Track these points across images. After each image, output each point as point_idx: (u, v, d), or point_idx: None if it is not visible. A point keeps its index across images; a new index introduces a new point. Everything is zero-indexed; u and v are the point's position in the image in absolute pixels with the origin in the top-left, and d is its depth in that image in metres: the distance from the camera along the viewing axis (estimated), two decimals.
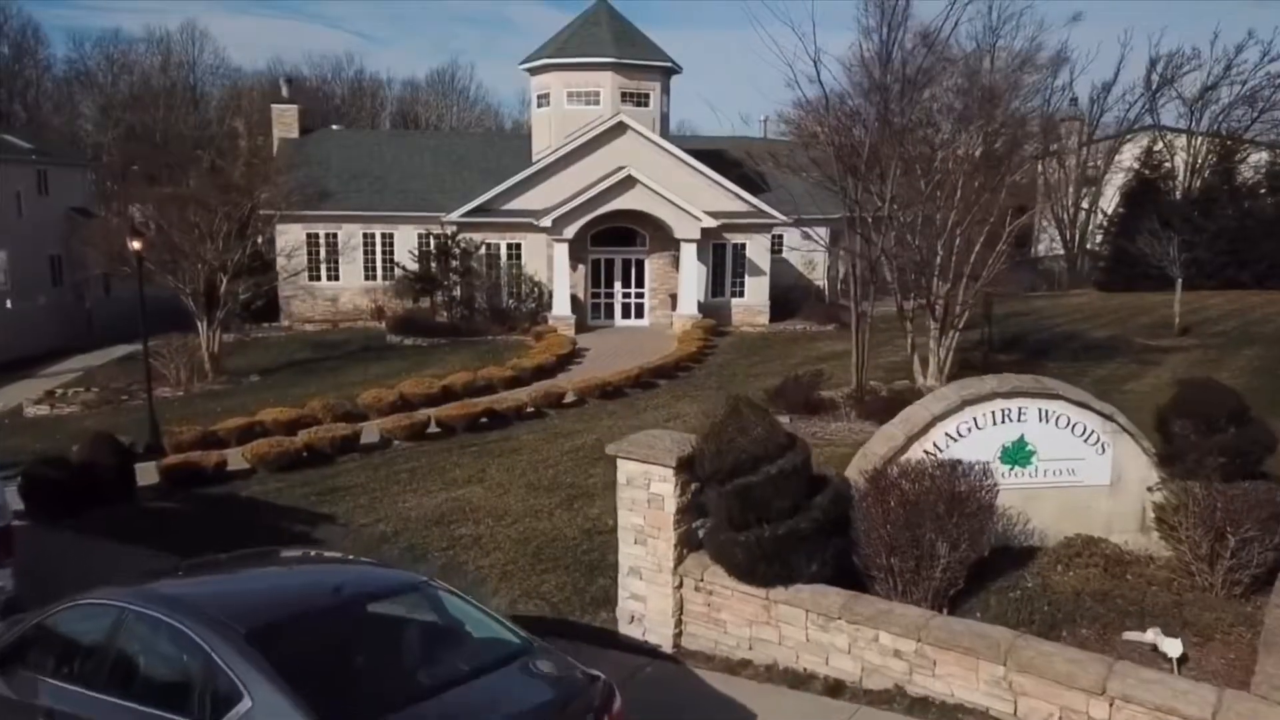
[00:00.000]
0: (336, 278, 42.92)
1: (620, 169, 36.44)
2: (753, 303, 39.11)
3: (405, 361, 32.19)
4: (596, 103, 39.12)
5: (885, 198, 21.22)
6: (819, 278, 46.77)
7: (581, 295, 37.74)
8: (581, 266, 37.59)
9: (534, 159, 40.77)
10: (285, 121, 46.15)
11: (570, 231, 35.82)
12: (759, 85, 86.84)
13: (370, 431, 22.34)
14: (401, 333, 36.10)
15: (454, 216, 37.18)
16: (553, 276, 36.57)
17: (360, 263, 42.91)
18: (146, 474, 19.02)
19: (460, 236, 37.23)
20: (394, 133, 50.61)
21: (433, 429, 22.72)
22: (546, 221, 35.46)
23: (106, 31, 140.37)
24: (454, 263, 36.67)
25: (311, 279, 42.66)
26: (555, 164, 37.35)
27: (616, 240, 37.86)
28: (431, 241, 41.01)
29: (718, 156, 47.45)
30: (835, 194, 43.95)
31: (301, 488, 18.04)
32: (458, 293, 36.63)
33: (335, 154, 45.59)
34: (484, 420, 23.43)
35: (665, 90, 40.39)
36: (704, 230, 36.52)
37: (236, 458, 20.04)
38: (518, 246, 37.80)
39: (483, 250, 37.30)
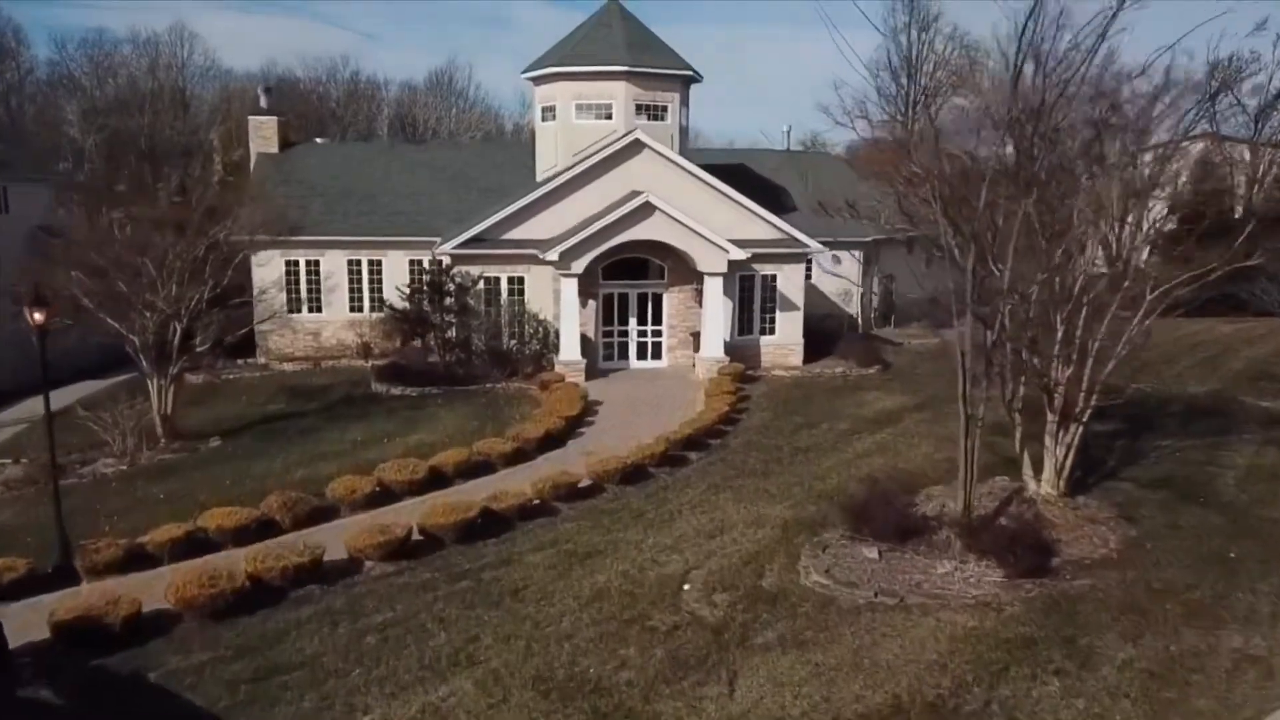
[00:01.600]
0: (319, 310, 38.03)
1: (636, 194, 31.55)
2: (785, 341, 34.19)
3: (391, 421, 27.31)
4: (608, 116, 34.18)
5: (1005, 264, 16.17)
6: (852, 305, 41.85)
7: (592, 334, 32.85)
8: (592, 302, 32.68)
9: (539, 176, 35.87)
10: (264, 135, 41.17)
11: (580, 266, 30.91)
12: (775, 90, 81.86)
13: (337, 542, 17.50)
14: (389, 380, 31.19)
15: (448, 247, 32.23)
16: (559, 314, 31.66)
17: (345, 293, 38.02)
18: (36, 621, 14.27)
19: (455, 270, 32.29)
20: (384, 145, 45.60)
21: (416, 537, 17.90)
22: (553, 255, 30.52)
23: (91, 32, 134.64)
24: (448, 300, 31.73)
25: (291, 311, 37.78)
26: (562, 188, 32.43)
27: (631, 272, 32.93)
28: (424, 270, 36.19)
29: (739, 173, 42.57)
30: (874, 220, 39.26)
31: (234, 663, 13.18)
32: (452, 333, 31.67)
33: (319, 171, 40.64)
34: (479, 522, 18.57)
35: (684, 101, 35.42)
36: (731, 262, 31.59)
37: (161, 590, 15.23)
38: (520, 280, 32.85)
39: (480, 285, 32.33)
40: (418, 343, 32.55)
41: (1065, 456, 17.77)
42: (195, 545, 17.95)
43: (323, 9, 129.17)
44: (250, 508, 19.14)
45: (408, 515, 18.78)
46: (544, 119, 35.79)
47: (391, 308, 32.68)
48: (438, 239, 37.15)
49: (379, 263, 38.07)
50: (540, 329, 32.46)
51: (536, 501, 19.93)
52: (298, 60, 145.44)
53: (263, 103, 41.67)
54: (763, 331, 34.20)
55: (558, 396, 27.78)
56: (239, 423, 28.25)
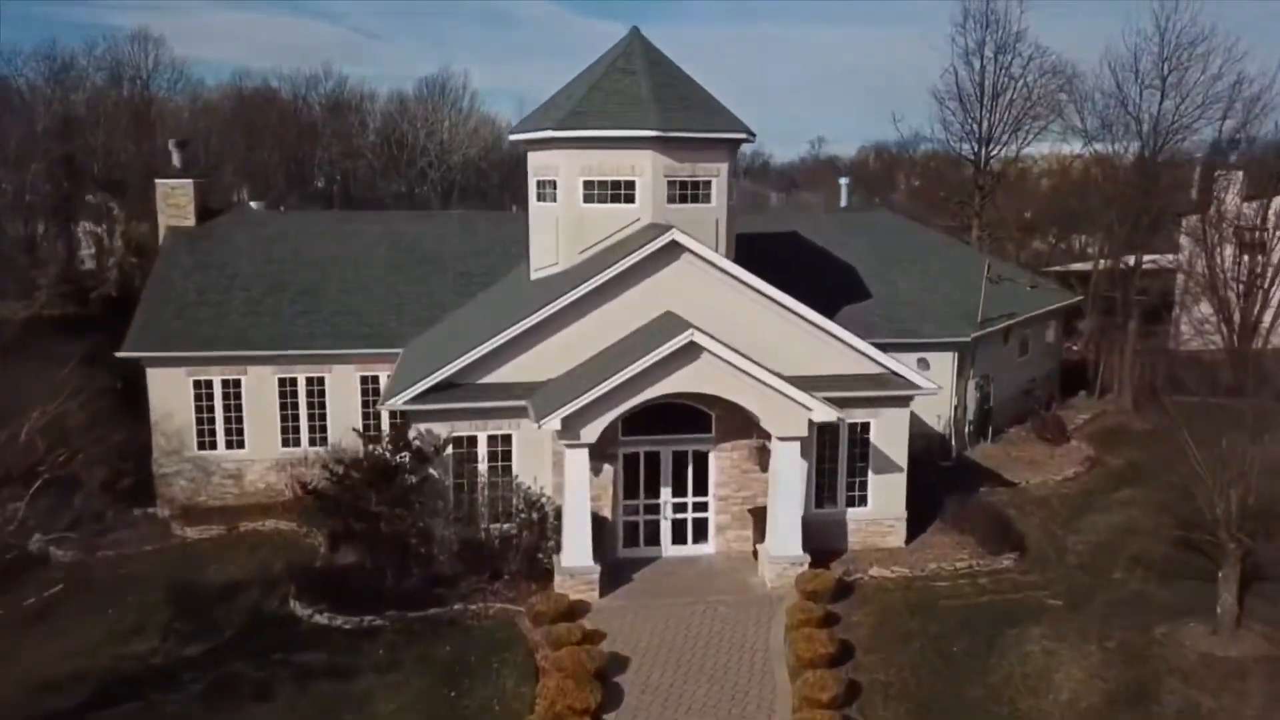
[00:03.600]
0: (240, 445, 27.73)
1: (670, 318, 21.34)
2: (882, 514, 23.83)
3: (297, 711, 17.08)
4: (629, 198, 23.84)
5: None
6: (942, 419, 31.43)
7: (609, 509, 22.56)
8: (608, 466, 22.38)
9: (534, 273, 25.59)
10: (176, 204, 30.68)
11: (592, 433, 20.55)
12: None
13: None
14: (316, 598, 20.86)
15: (403, 400, 21.79)
16: (563, 489, 21.32)
17: (276, 422, 27.72)
18: None
19: (414, 431, 21.93)
20: (334, 217, 34.85)
21: None
22: (553, 421, 20.10)
23: (43, 42, 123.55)
24: (405, 475, 21.36)
25: (203, 448, 27.52)
26: (566, 311, 22.05)
27: (665, 422, 22.45)
28: (377, 410, 25.94)
29: (790, 247, 32.26)
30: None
31: None
32: (407, 524, 21.27)
33: (247, 252, 30.26)
34: None
35: (735, 172, 25.05)
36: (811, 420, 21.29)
37: None
38: (505, 439, 22.45)
39: (449, 451, 21.95)
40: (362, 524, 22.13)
41: None
42: None
43: (316, 6, 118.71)
44: None
45: None
46: (540, 197, 25.36)
47: (315, 491, 22.15)
48: (399, 350, 26.97)
49: (321, 381, 27.77)
50: (534, 511, 22.07)
51: None
52: (280, 63, 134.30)
53: (175, 160, 31.14)
54: (850, 501, 23.84)
55: (560, 665, 17.49)
56: (72, 676, 18.02)
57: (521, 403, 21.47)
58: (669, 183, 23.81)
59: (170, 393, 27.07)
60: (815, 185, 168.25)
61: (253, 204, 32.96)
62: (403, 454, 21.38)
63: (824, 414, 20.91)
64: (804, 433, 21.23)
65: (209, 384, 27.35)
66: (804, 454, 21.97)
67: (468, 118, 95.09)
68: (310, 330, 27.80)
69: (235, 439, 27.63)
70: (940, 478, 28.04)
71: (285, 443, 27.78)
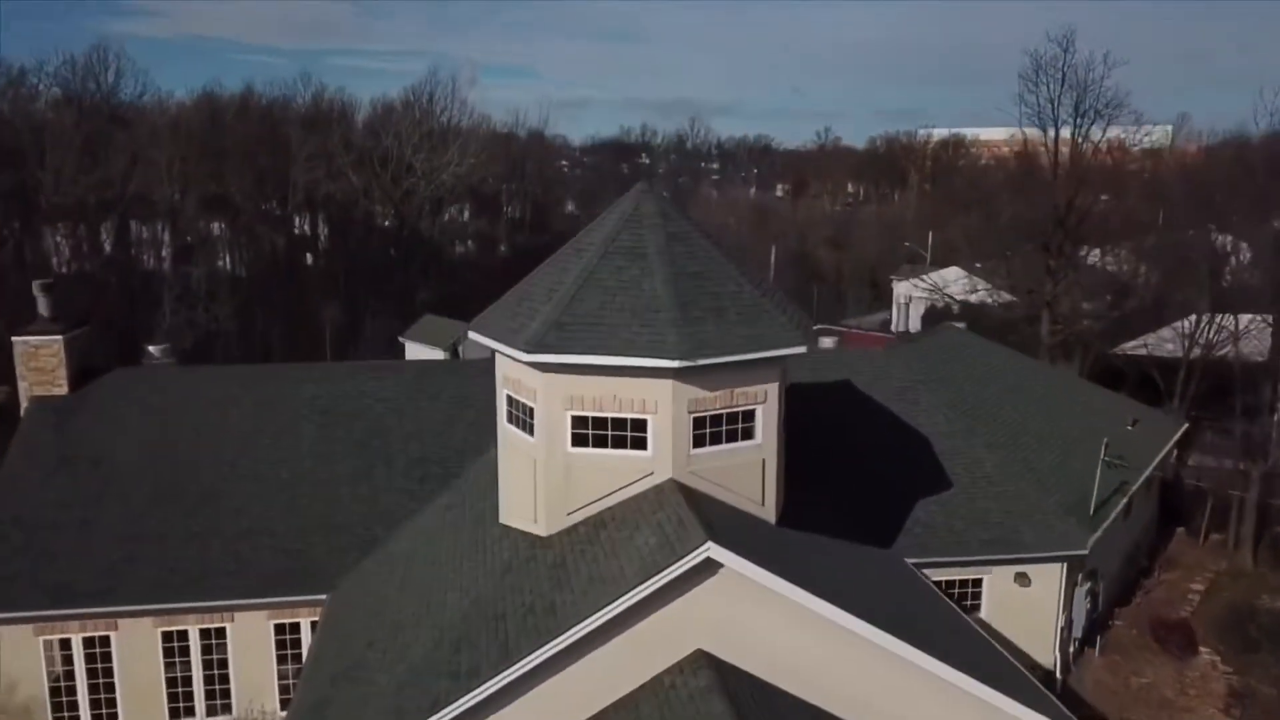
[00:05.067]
0: None
1: (699, 660, 13.76)
2: None
3: None
4: (639, 442, 16.17)
5: None
6: (1044, 642, 23.82)
7: None
8: None
9: (503, 515, 17.95)
10: (40, 367, 22.96)
11: None
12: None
13: None
14: None
15: None
16: None
17: (160, 692, 20.24)
18: None
19: None
20: (252, 374, 26.28)
21: None
22: None
23: None
24: None
25: None
26: (550, 664, 14.33)
27: None
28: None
29: (844, 401, 24.67)
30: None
31: None
32: None
33: (133, 431, 22.62)
34: None
35: (783, 394, 17.30)
36: None
37: None
38: None
39: None
40: None
41: None
42: None
43: None
44: None
45: None
46: (512, 418, 17.61)
47: None
48: (323, 597, 19.49)
49: (221, 634, 20.26)
50: None
51: None
52: (243, 82, 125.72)
53: (42, 308, 23.25)
54: None
55: None
56: None
57: None
58: (695, 419, 16.10)
59: (13, 657, 19.59)
60: (823, 178, 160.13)
61: (153, 350, 25.18)
62: None
63: None
64: None
65: (66, 644, 19.86)
66: None
67: (458, 121, 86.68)
68: (204, 564, 20.21)
69: (106, 714, 20.17)
70: None
71: (175, 715, 20.34)
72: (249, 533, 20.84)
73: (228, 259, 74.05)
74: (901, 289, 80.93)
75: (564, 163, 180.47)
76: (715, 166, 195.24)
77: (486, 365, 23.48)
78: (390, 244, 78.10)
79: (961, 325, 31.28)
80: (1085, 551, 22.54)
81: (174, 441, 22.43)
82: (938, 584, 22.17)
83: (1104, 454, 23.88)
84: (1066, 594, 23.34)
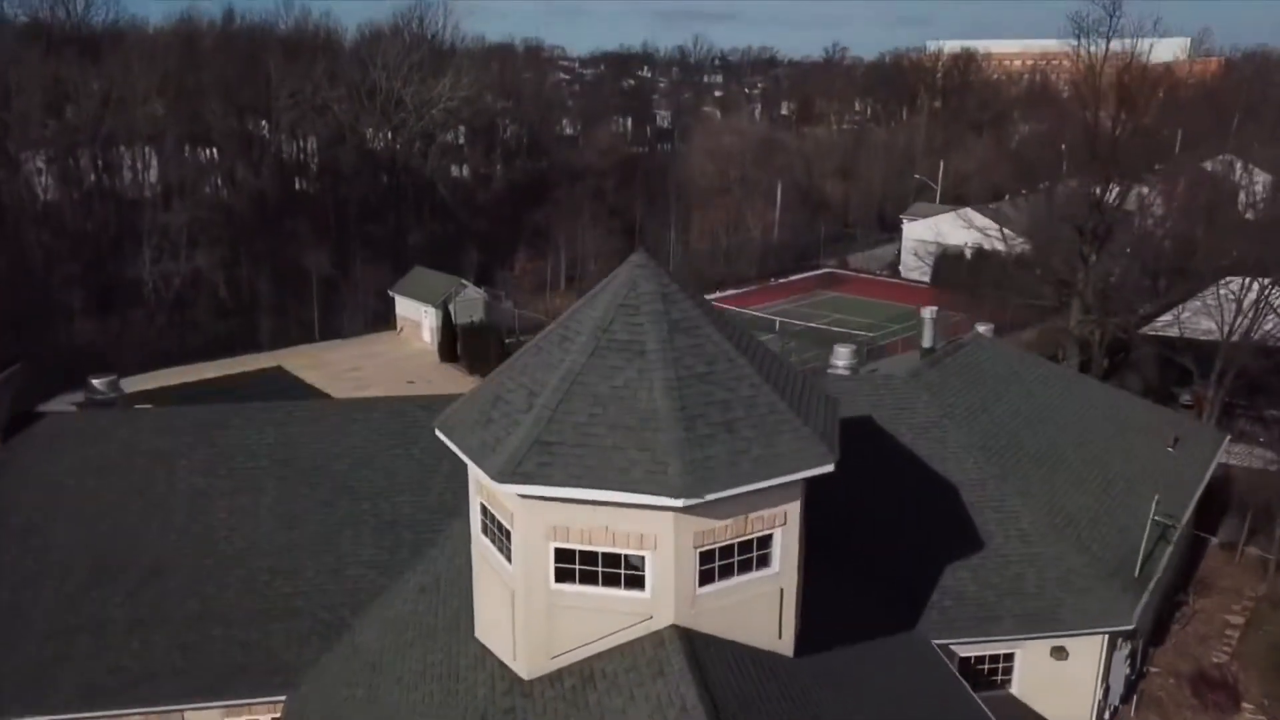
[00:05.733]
0: None
1: None
2: None
3: None
4: (635, 581, 13.64)
5: None
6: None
7: None
8: None
9: (477, 629, 15.56)
10: None
11: None
12: None
13: None
14: None
15: None
16: None
17: None
18: None
19: None
20: (207, 416, 22.78)
21: None
22: None
23: None
24: None
25: None
26: None
27: None
28: None
29: (865, 438, 22.22)
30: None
31: None
32: None
33: (71, 492, 20.06)
34: None
35: (804, 513, 14.68)
36: None
37: None
38: None
39: None
40: None
41: None
42: None
43: None
44: None
45: None
46: (488, 533, 15.06)
47: None
48: (282, 697, 17.26)
49: None
50: None
51: None
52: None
53: None
54: None
55: None
56: None
57: None
58: (702, 554, 13.55)
59: None
60: (830, 93, 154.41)
61: (97, 383, 22.42)
62: None
63: None
64: None
65: None
66: None
67: (449, 51, 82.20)
68: (148, 661, 17.88)
69: None
70: None
71: None
72: (199, 619, 18.46)
73: (215, 184, 70.05)
74: (911, 230, 77.62)
75: (563, 76, 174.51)
76: (719, 79, 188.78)
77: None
78: (380, 181, 74.57)
79: (987, 329, 28.41)
80: (1131, 626, 20.21)
81: (116, 505, 19.91)
82: (966, 660, 20.00)
83: (1154, 512, 21.36)
84: (1106, 663, 21.11)
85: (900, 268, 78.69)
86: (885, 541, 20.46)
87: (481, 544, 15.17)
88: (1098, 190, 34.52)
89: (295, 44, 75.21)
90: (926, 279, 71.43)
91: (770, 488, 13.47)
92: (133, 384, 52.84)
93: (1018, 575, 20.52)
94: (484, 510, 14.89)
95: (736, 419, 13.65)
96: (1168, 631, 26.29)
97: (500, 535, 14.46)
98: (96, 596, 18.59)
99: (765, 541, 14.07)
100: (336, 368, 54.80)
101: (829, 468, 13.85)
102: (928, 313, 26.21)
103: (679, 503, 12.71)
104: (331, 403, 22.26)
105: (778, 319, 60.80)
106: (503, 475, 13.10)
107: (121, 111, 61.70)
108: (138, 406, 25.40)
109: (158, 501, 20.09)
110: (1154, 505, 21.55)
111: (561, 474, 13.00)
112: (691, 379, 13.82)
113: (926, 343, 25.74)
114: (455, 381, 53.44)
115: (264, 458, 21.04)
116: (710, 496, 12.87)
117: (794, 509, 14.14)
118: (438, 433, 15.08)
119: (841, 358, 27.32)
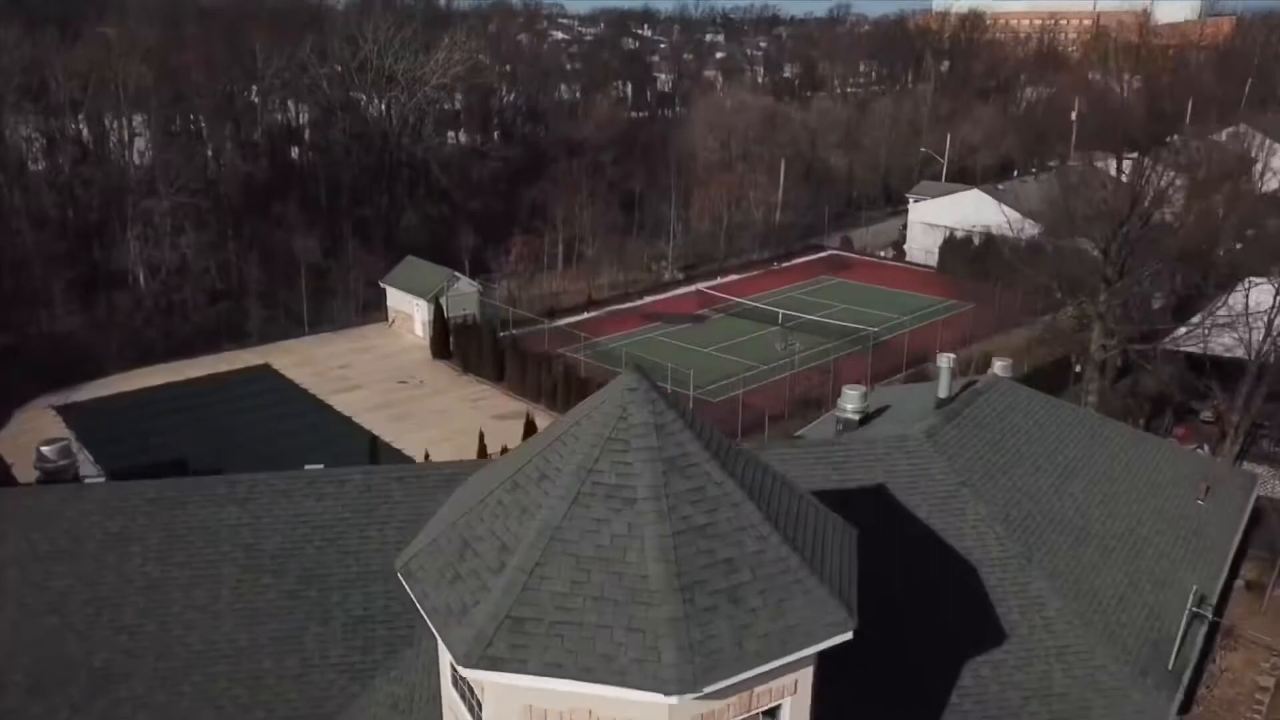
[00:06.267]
0: None
1: None
2: None
3: None
4: None
5: None
6: None
7: None
8: None
9: None
10: None
11: None
12: None
13: None
14: None
15: None
16: None
17: None
18: None
19: None
20: (167, 493, 20.71)
21: None
22: None
23: None
24: None
25: None
26: None
27: None
28: None
29: (876, 515, 20.46)
30: None
31: None
32: None
33: (21, 578, 18.30)
34: None
35: (818, 677, 12.85)
36: None
37: None
38: None
39: None
40: None
41: None
42: None
43: None
44: None
45: None
46: (457, 686, 13.30)
47: None
48: None
49: None
50: None
51: None
52: None
53: None
54: None
55: None
56: None
57: None
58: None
59: None
60: (834, 57, 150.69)
61: (46, 450, 20.45)
62: None
63: None
64: None
65: None
66: None
67: (446, 22, 79.15)
68: None
69: None
70: None
71: None
72: None
73: (203, 165, 67.63)
74: (918, 211, 75.26)
75: (562, 36, 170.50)
76: (720, 39, 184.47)
77: (444, 479, 19.36)
78: (371, 161, 72.04)
79: (1004, 365, 26.50)
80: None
81: (62, 598, 18.13)
82: None
83: (1191, 602, 19.59)
84: None
85: (905, 248, 76.51)
86: (900, 634, 18.69)
87: (451, 698, 13.39)
88: (1120, 220, 32.23)
89: (283, 18, 72.22)
90: (933, 263, 69.34)
91: (782, 668, 11.63)
92: (117, 383, 51.10)
93: (1044, 673, 18.77)
94: (452, 670, 13.08)
95: (742, 584, 11.78)
96: (1194, 698, 24.68)
97: (470, 698, 12.67)
98: (36, 713, 16.86)
99: (773, 712, 12.28)
100: (325, 364, 52.94)
101: (847, 635, 12.01)
102: (944, 360, 24.24)
103: (674, 700, 10.88)
104: (300, 474, 20.46)
105: (780, 311, 58.78)
106: (469, 659, 11.26)
107: (103, 93, 59.20)
108: (88, 480, 23.45)
109: (108, 595, 18.30)
110: (1190, 596, 19.76)
111: (537, 661, 11.16)
112: (689, 533, 11.93)
113: (942, 392, 23.81)
114: (447, 380, 51.66)
115: (225, 541, 19.20)
116: (709, 689, 11.04)
117: (805, 676, 12.34)
118: (399, 576, 13.20)
119: (850, 401, 25.46)
